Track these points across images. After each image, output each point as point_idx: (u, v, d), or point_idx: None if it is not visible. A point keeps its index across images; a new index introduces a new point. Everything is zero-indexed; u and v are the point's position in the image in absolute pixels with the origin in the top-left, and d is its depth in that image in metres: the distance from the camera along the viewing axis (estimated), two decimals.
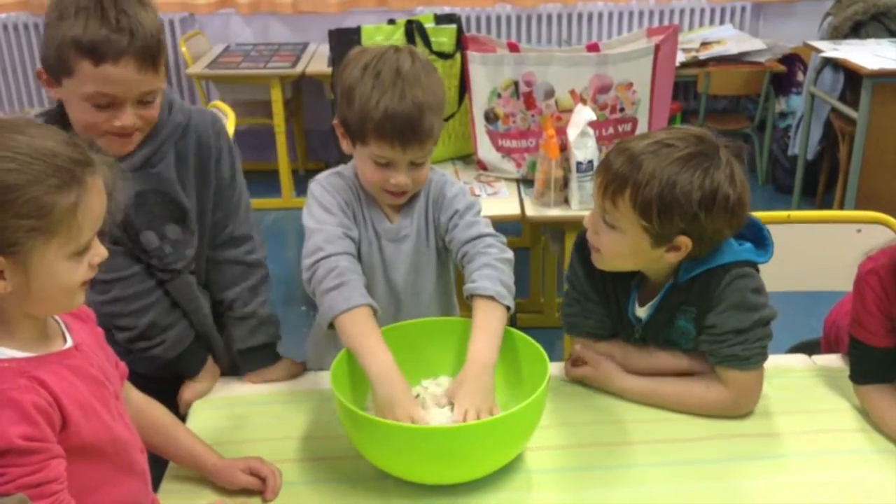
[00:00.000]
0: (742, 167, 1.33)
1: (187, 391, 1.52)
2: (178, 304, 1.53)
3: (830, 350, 1.70)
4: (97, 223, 1.01)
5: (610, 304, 1.49)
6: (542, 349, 1.36)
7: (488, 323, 1.36)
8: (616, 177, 1.31)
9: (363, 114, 1.38)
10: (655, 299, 1.44)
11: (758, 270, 1.40)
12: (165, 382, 1.48)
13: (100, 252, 1.03)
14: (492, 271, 1.40)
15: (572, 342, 1.54)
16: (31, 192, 0.93)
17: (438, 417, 1.31)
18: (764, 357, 1.40)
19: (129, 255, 1.46)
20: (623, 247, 1.35)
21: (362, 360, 1.30)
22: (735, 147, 1.34)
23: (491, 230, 1.49)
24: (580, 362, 1.50)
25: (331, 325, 1.36)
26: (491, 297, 1.37)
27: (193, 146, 1.47)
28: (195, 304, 1.54)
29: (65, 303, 1.04)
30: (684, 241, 1.32)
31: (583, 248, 1.46)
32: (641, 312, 1.46)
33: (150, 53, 1.31)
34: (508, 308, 1.39)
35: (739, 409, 1.42)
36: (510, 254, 1.46)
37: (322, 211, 1.46)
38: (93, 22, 1.27)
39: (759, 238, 1.42)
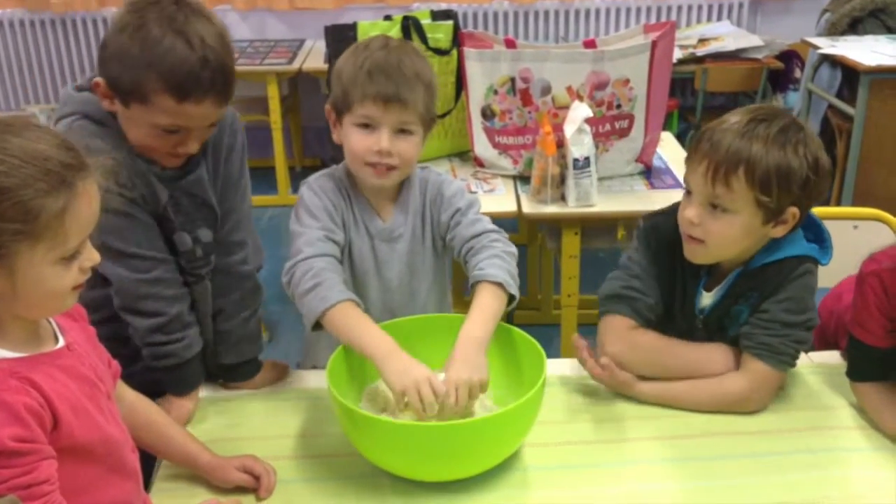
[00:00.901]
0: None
1: (177, 409, 1.41)
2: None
3: (824, 341, 1.69)
4: (86, 229, 1.00)
5: (674, 294, 1.48)
6: (539, 346, 1.35)
7: (487, 304, 1.36)
8: (727, 157, 1.30)
9: (349, 78, 1.40)
10: (723, 285, 1.44)
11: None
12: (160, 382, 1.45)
13: (91, 257, 1.02)
14: (500, 261, 1.41)
15: (605, 321, 1.47)
16: (19, 195, 0.92)
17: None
18: (793, 361, 1.42)
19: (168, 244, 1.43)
20: (735, 229, 1.35)
21: (361, 344, 1.30)
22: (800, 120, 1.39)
23: (494, 227, 1.49)
24: (588, 353, 1.46)
25: (315, 327, 1.35)
26: (498, 284, 1.38)
27: (211, 144, 1.44)
28: (206, 312, 1.49)
29: (54, 306, 1.03)
30: (794, 212, 1.34)
31: (653, 230, 1.45)
32: (707, 299, 1.46)
33: (229, 91, 1.30)
34: (513, 298, 1.39)
35: (751, 403, 1.42)
36: (514, 249, 1.47)
37: (307, 215, 1.45)
38: (180, 57, 1.23)
39: (821, 240, 1.45)
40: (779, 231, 1.37)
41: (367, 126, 1.41)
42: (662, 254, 1.46)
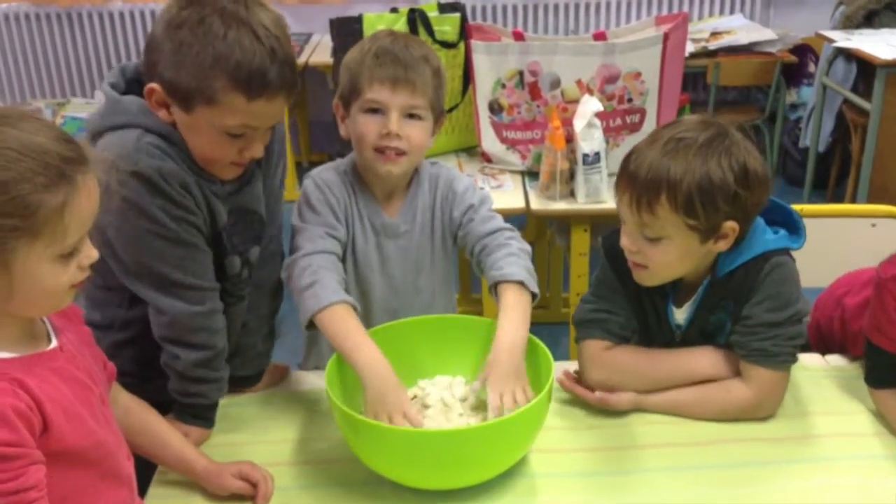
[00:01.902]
0: (750, 139, 1.33)
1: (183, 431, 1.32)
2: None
3: (829, 346, 1.64)
4: (86, 225, 0.97)
5: (646, 312, 1.45)
6: (546, 349, 1.32)
7: (517, 304, 1.33)
8: (646, 186, 1.27)
9: (358, 64, 1.38)
10: (694, 297, 1.40)
11: (792, 258, 1.38)
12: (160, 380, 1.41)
13: (90, 254, 0.99)
14: (517, 259, 1.39)
15: (581, 349, 1.45)
16: (16, 190, 0.89)
17: (436, 418, 1.28)
18: (793, 359, 1.38)
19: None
20: (672, 255, 1.31)
21: (348, 356, 1.27)
22: (735, 124, 1.35)
23: (507, 224, 1.47)
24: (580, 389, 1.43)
25: (310, 326, 1.32)
26: (520, 283, 1.35)
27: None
28: (235, 329, 1.42)
29: (50, 304, 1.00)
30: (731, 226, 1.30)
31: (612, 251, 1.42)
32: (680, 314, 1.42)
33: (297, 84, 1.23)
34: (535, 296, 1.37)
35: (761, 410, 1.38)
36: (528, 247, 1.45)
37: (309, 210, 1.43)
38: (248, 52, 1.15)
39: (790, 223, 1.40)
40: (721, 246, 1.32)
41: (375, 111, 1.38)
42: (624, 272, 1.42)
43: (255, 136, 1.24)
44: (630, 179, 1.29)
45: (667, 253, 1.31)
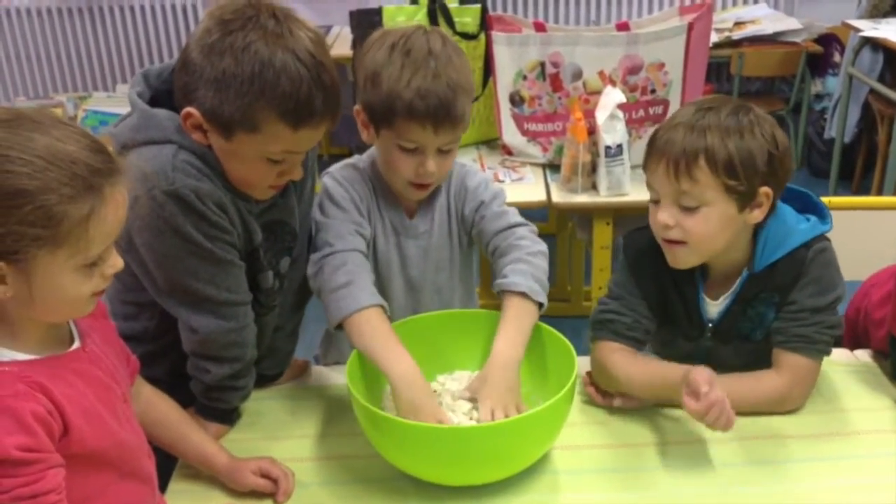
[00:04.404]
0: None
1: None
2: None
3: (855, 339, 1.62)
4: (111, 235, 0.95)
5: (674, 307, 1.42)
6: (569, 343, 1.30)
7: (516, 319, 1.30)
8: (685, 151, 1.26)
9: (392, 94, 1.29)
10: (731, 290, 1.38)
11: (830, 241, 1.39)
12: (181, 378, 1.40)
13: (115, 263, 0.97)
14: (524, 266, 1.35)
15: (591, 351, 1.44)
16: (41, 199, 0.87)
17: (462, 419, 1.27)
18: (828, 349, 1.36)
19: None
20: (712, 223, 1.29)
21: (382, 364, 1.24)
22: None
23: (520, 219, 1.44)
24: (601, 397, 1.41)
25: (338, 326, 1.30)
26: (523, 294, 1.31)
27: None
28: (266, 336, 1.39)
29: (71, 312, 0.99)
30: (766, 192, 1.29)
31: (632, 248, 1.40)
32: (714, 308, 1.40)
33: (340, 109, 1.19)
34: (541, 305, 1.33)
35: (790, 401, 1.36)
36: (543, 245, 1.41)
37: (333, 206, 1.40)
38: (293, 80, 1.11)
39: (811, 207, 1.40)
40: (756, 216, 1.31)
41: (411, 149, 1.34)
42: (645, 269, 1.40)
43: (295, 160, 1.22)
44: (664, 149, 1.28)
45: (707, 222, 1.28)
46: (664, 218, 1.30)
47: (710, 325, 1.42)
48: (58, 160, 0.88)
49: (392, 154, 1.35)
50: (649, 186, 1.33)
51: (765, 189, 1.28)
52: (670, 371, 1.31)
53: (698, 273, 1.39)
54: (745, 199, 1.28)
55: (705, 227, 1.29)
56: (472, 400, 1.28)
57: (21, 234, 0.87)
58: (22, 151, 0.87)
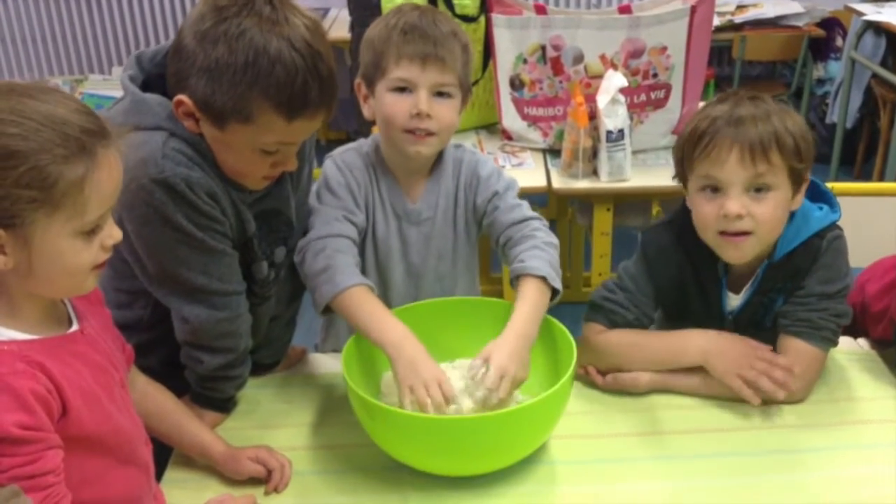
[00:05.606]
0: None
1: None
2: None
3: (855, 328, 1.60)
4: (108, 200, 0.95)
5: (692, 302, 1.42)
6: (569, 334, 1.29)
7: (534, 300, 1.29)
8: (759, 135, 1.27)
9: (383, 40, 1.32)
10: (752, 281, 1.38)
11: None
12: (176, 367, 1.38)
13: (113, 233, 0.97)
14: (542, 253, 1.34)
15: (583, 329, 1.44)
16: (35, 160, 0.87)
17: (459, 401, 1.25)
18: (833, 338, 1.36)
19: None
20: (779, 208, 1.31)
21: (373, 331, 1.24)
22: None
23: (534, 213, 1.43)
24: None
25: (325, 311, 1.29)
26: (542, 278, 1.31)
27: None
28: (262, 325, 1.38)
29: (72, 285, 0.98)
30: (807, 177, 1.34)
31: (650, 246, 1.41)
32: (735, 300, 1.41)
33: (336, 99, 1.16)
34: (557, 292, 1.33)
35: (795, 391, 1.34)
36: (556, 239, 1.40)
37: (327, 192, 1.39)
38: (289, 71, 1.09)
39: (821, 195, 1.41)
40: (798, 201, 1.34)
41: (402, 90, 1.33)
42: (665, 266, 1.40)
43: (289, 151, 1.20)
44: (736, 136, 1.27)
45: (776, 206, 1.30)
46: (736, 207, 1.28)
47: (731, 316, 1.42)
48: (49, 122, 0.89)
49: (386, 103, 1.34)
50: (708, 178, 1.30)
51: (807, 174, 1.32)
52: (675, 343, 1.37)
53: (722, 266, 1.38)
54: (798, 183, 1.31)
55: (774, 212, 1.30)
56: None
57: (16, 196, 0.87)
58: (13, 114, 0.88)
